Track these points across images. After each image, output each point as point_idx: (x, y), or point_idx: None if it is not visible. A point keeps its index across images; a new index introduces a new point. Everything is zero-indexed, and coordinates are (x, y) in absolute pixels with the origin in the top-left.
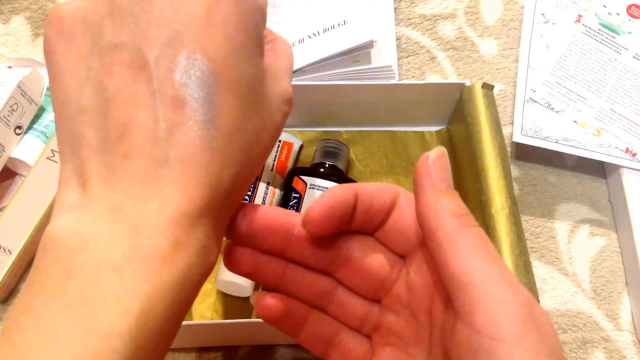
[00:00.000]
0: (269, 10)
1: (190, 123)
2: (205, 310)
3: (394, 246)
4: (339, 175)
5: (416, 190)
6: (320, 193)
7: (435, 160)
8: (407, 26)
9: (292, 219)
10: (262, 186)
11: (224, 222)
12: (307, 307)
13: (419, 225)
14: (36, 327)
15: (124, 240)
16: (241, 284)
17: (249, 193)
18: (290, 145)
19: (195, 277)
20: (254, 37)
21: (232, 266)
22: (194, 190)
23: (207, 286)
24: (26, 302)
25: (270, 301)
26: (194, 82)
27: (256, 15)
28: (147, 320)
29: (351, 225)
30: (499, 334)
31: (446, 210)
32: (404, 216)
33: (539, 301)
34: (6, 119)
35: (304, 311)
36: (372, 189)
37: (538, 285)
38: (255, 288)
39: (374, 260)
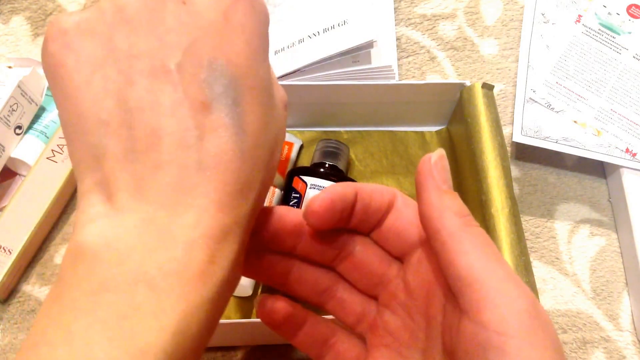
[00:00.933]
0: (269, 10)
1: (220, 128)
2: None
3: (390, 247)
4: (339, 175)
5: (419, 190)
6: None
7: (437, 162)
8: (407, 26)
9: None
10: None
11: (250, 229)
12: (306, 310)
13: (422, 225)
14: (68, 342)
15: (159, 254)
16: (241, 284)
17: None
18: (290, 145)
19: (228, 290)
20: (265, 41)
21: (249, 273)
22: (229, 200)
23: None
24: (54, 315)
25: (273, 305)
26: (220, 87)
27: (265, 21)
28: (184, 337)
29: (349, 222)
30: (508, 330)
31: (450, 209)
32: (400, 218)
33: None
34: (6, 119)
35: (304, 314)
36: (372, 189)
37: (538, 285)
38: (255, 287)
39: (374, 254)
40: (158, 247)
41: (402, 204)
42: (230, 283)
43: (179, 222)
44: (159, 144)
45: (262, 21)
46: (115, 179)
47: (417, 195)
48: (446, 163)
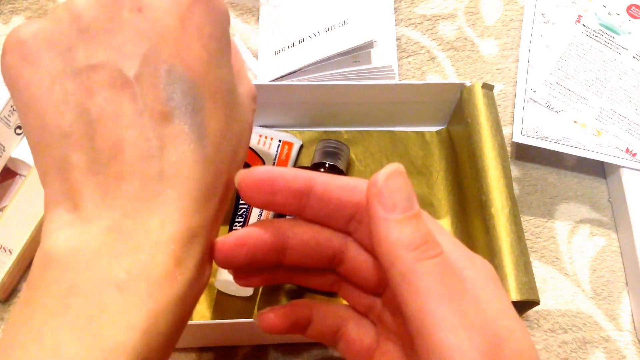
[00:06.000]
0: (269, 10)
1: (181, 136)
2: (205, 310)
3: (363, 284)
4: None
5: (368, 221)
6: None
7: (388, 182)
8: (407, 26)
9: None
10: None
11: (217, 231)
12: (310, 307)
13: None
14: (39, 343)
15: (125, 258)
16: None
17: None
18: (290, 145)
19: (195, 291)
20: (226, 42)
21: (251, 282)
22: (192, 206)
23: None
24: (25, 318)
25: (274, 318)
26: (179, 94)
27: (224, 21)
28: (152, 335)
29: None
30: None
31: (399, 244)
32: (359, 263)
33: (538, 302)
34: (7, 119)
35: (307, 314)
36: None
37: (538, 285)
38: (255, 287)
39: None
40: (124, 251)
41: (356, 252)
42: (197, 283)
43: (143, 228)
44: (121, 155)
45: (221, 22)
46: (80, 190)
47: (368, 227)
48: (401, 180)
